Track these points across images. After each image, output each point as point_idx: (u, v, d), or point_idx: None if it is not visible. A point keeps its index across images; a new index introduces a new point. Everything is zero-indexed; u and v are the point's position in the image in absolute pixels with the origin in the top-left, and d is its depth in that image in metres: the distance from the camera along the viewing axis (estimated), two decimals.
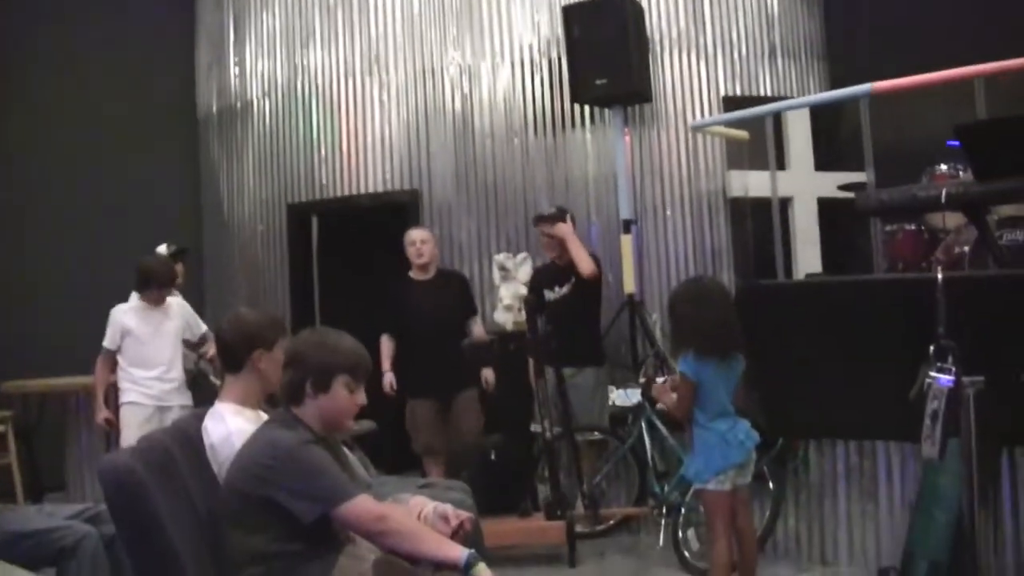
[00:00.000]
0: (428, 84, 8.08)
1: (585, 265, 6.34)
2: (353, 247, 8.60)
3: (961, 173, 5.90)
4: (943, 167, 6.23)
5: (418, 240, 6.61)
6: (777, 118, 7.19)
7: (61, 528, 3.94)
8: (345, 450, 3.92)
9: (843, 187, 7.08)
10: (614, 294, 7.27)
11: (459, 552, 3.08)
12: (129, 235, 7.83)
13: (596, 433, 6.39)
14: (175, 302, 6.42)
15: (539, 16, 7.88)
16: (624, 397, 6.45)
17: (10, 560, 3.64)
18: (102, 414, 6.16)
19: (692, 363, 4.43)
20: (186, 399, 6.25)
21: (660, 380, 6.04)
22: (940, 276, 1.81)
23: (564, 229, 6.50)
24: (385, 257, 8.16)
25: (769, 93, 7.89)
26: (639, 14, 7.39)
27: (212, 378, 5.56)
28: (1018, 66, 5.32)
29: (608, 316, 7.03)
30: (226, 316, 4.02)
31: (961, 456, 1.88)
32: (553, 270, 6.58)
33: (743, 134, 7.36)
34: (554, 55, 7.77)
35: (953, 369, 1.83)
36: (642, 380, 6.31)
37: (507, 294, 7.14)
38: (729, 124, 7.34)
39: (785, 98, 7.75)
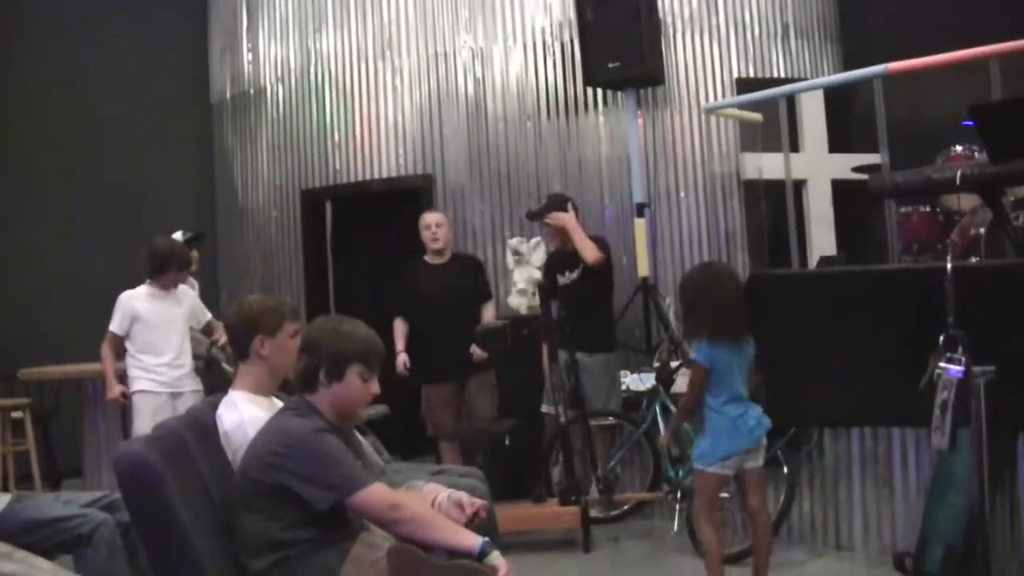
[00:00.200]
0: (441, 68, 8.07)
1: (588, 253, 6.27)
2: (367, 232, 8.62)
3: (976, 154, 5.87)
4: (958, 148, 6.19)
5: (433, 224, 6.60)
6: (791, 100, 7.17)
7: (78, 516, 3.97)
8: (358, 435, 3.94)
9: (857, 169, 7.04)
10: (628, 278, 7.26)
11: (473, 540, 3.08)
12: (143, 221, 7.85)
13: (610, 418, 6.39)
14: (183, 288, 6.43)
15: None
16: (638, 381, 6.45)
17: (28, 547, 3.68)
18: (116, 389, 6.13)
19: (706, 348, 4.46)
20: (197, 384, 6.27)
21: (674, 364, 6.09)
22: (950, 266, 1.79)
23: (561, 219, 6.42)
24: (399, 242, 8.18)
25: (782, 74, 7.85)
26: None
27: (224, 365, 5.57)
28: None
29: (622, 300, 7.02)
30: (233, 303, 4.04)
31: (972, 446, 1.87)
32: (564, 255, 6.55)
33: (756, 116, 7.33)
34: (566, 38, 7.75)
35: (963, 359, 1.82)
36: (656, 364, 6.31)
37: (521, 278, 7.13)
38: (742, 106, 7.32)
39: (799, 79, 7.70)
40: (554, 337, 5.99)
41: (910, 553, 4.69)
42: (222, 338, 5.64)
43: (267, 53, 8.83)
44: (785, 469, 5.39)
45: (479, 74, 7.98)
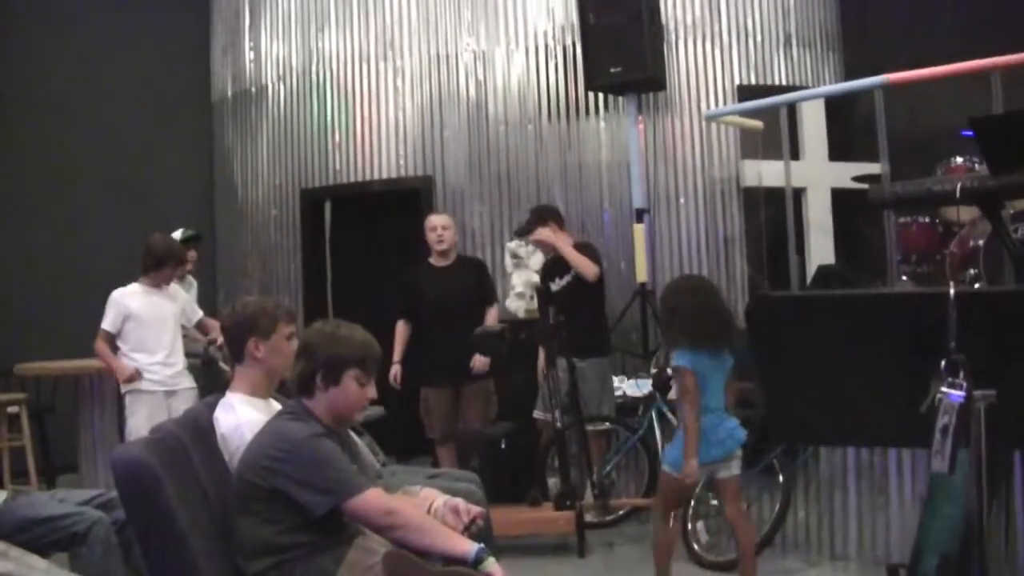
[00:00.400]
0: (442, 70, 8.08)
1: (585, 270, 6.27)
2: (366, 233, 8.62)
3: (976, 166, 5.88)
4: (958, 159, 6.20)
5: (439, 226, 6.59)
6: (792, 108, 7.17)
7: (73, 514, 3.97)
8: (354, 436, 3.94)
9: (857, 178, 7.05)
10: (626, 283, 7.27)
11: (468, 546, 3.09)
12: (143, 219, 7.84)
13: (606, 423, 6.39)
14: (174, 286, 6.43)
15: (554, 2, 7.87)
16: (635, 387, 6.45)
17: (24, 545, 3.69)
18: (128, 369, 6.07)
19: (688, 355, 4.51)
20: (191, 382, 6.26)
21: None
22: (952, 291, 1.80)
23: (546, 235, 6.43)
24: (398, 243, 8.19)
25: (784, 82, 7.87)
26: (654, 2, 7.37)
27: (222, 364, 5.57)
28: None
29: (620, 305, 7.03)
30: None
31: (970, 466, 1.88)
32: (554, 261, 6.56)
33: (757, 124, 7.34)
34: (568, 42, 7.76)
35: (964, 384, 1.83)
36: (653, 370, 6.32)
37: (519, 282, 7.14)
38: (743, 113, 7.33)
39: (800, 87, 7.73)
40: (551, 342, 5.99)
41: (904, 565, 4.70)
42: (219, 337, 5.64)
43: (269, 52, 8.83)
44: (781, 477, 5.40)
45: (481, 76, 7.99)
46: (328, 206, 8.84)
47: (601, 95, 7.70)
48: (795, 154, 7.42)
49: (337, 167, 8.44)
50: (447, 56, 8.07)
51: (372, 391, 3.34)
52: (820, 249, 7.48)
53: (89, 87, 8.85)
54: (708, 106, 7.63)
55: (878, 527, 5.22)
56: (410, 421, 6.73)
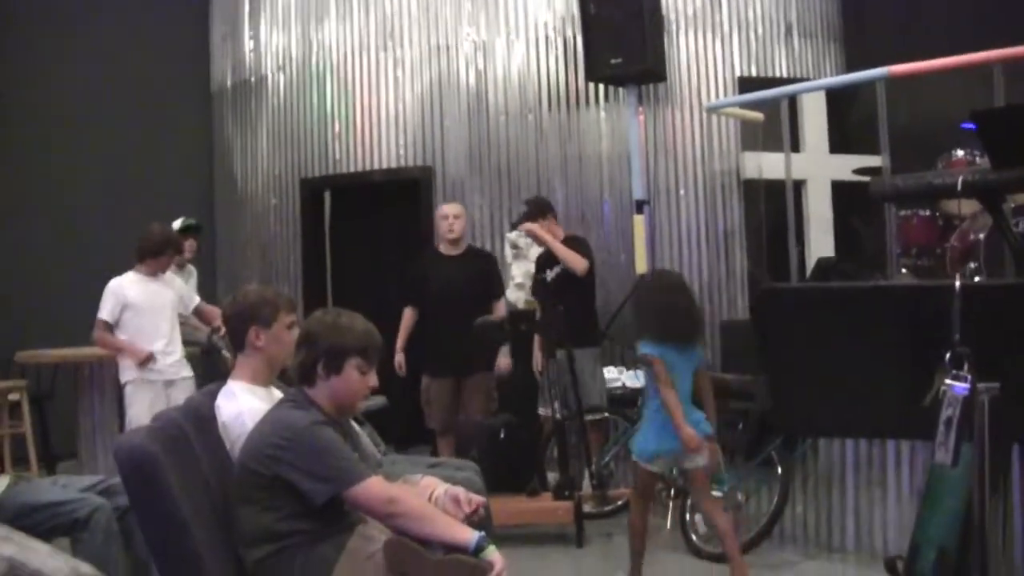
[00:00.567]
0: (442, 60, 8.07)
1: (575, 265, 6.35)
2: (366, 223, 8.62)
3: (978, 159, 5.87)
4: (959, 153, 6.19)
5: (451, 215, 6.60)
6: (792, 100, 7.16)
7: (75, 500, 4.00)
8: (356, 426, 3.95)
9: (858, 171, 7.05)
10: (625, 274, 7.27)
11: (469, 535, 3.10)
12: (142, 208, 7.84)
13: (604, 413, 6.40)
14: (169, 274, 6.42)
15: None
16: (633, 378, 6.46)
17: (26, 530, 3.70)
18: (144, 349, 6.06)
19: (653, 346, 4.67)
20: (189, 371, 6.26)
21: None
22: (958, 283, 1.80)
23: (532, 228, 6.48)
24: (398, 233, 8.19)
25: (785, 74, 7.86)
26: None
27: (225, 353, 5.56)
28: None
29: (619, 297, 7.03)
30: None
31: (974, 461, 1.88)
32: (546, 253, 6.59)
33: (758, 115, 7.33)
34: (569, 33, 7.75)
35: (968, 377, 1.83)
36: None
37: (519, 272, 7.15)
38: (744, 105, 7.32)
39: (801, 79, 7.71)
40: (551, 332, 5.99)
41: (901, 557, 4.70)
42: (222, 326, 5.63)
43: (268, 42, 8.82)
44: (779, 470, 5.40)
45: (481, 67, 7.98)
46: (328, 196, 8.85)
47: (601, 86, 7.69)
48: (796, 146, 7.42)
49: (337, 157, 8.44)
50: (447, 46, 8.06)
51: (373, 379, 3.35)
52: (820, 242, 7.48)
53: (88, 78, 8.83)
54: (709, 98, 7.62)
55: (876, 520, 5.23)
56: (410, 411, 6.74)
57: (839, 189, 7.57)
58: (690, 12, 7.75)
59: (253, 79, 8.94)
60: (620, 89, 7.57)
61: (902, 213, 6.58)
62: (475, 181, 7.92)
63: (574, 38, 7.65)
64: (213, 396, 3.67)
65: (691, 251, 7.56)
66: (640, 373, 6.39)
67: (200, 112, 9.45)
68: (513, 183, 7.84)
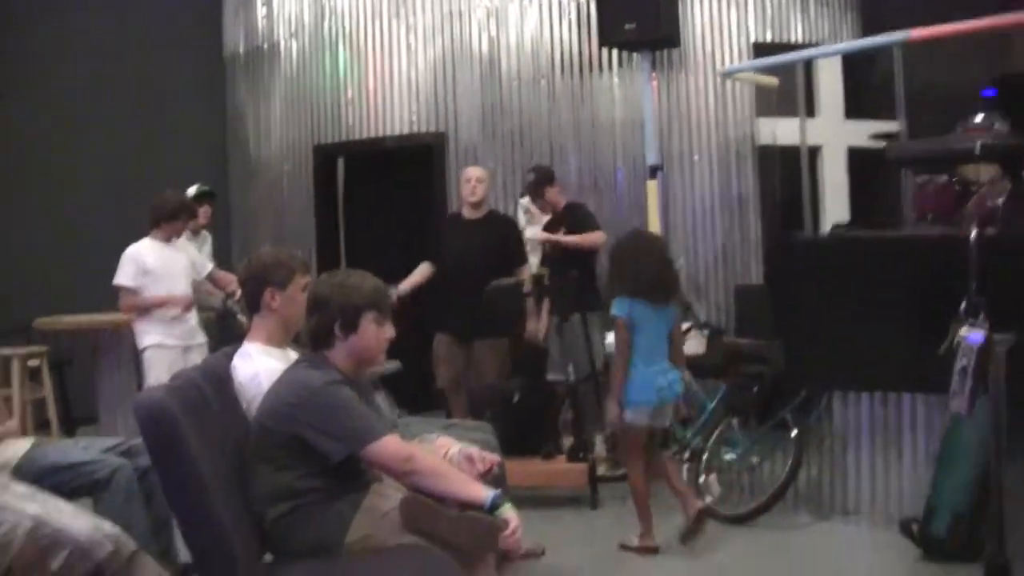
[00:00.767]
0: (455, 26, 8.04)
1: (595, 245, 6.46)
2: (379, 188, 8.62)
3: (996, 125, 5.84)
4: (978, 118, 6.15)
5: (474, 178, 6.54)
6: (808, 65, 7.13)
7: (97, 461, 4.05)
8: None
9: (874, 136, 7.01)
10: None
11: (485, 492, 3.12)
12: (156, 175, 7.87)
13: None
14: (181, 240, 6.43)
15: None
16: None
17: (49, 490, 3.74)
18: (186, 296, 6.12)
19: (626, 304, 4.89)
20: (202, 336, 6.29)
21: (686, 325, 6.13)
22: (974, 233, 1.80)
23: (549, 239, 6.59)
24: (411, 199, 8.19)
25: (800, 40, 7.81)
26: None
27: (240, 317, 5.59)
28: None
29: None
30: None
31: (988, 413, 1.89)
32: (555, 218, 6.65)
33: (773, 80, 7.29)
34: None
35: (984, 326, 1.83)
36: None
37: (532, 237, 7.14)
38: (759, 70, 7.28)
39: (816, 45, 7.66)
40: (565, 296, 5.99)
41: (917, 519, 4.73)
42: (237, 291, 5.66)
43: (281, 8, 8.80)
44: (794, 432, 5.40)
45: (494, 32, 7.95)
46: (341, 162, 8.85)
47: (615, 51, 7.65)
48: (811, 112, 7.38)
49: (350, 123, 8.44)
50: (460, 12, 8.03)
51: (390, 330, 3.35)
52: (835, 208, 7.45)
53: (101, 44, 8.84)
54: (723, 64, 7.58)
55: (891, 483, 5.24)
56: (423, 376, 6.75)
57: (855, 155, 7.53)
58: None
59: (266, 46, 8.93)
60: (634, 55, 7.54)
61: (918, 179, 6.54)
62: (488, 147, 7.91)
63: (587, 3, 7.61)
64: (229, 357, 3.70)
65: (705, 217, 7.54)
66: None
67: (213, 79, 9.44)
68: (526, 149, 7.83)
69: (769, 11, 7.78)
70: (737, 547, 5.09)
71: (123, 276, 6.07)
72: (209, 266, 6.56)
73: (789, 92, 6.90)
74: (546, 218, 6.92)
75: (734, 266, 7.47)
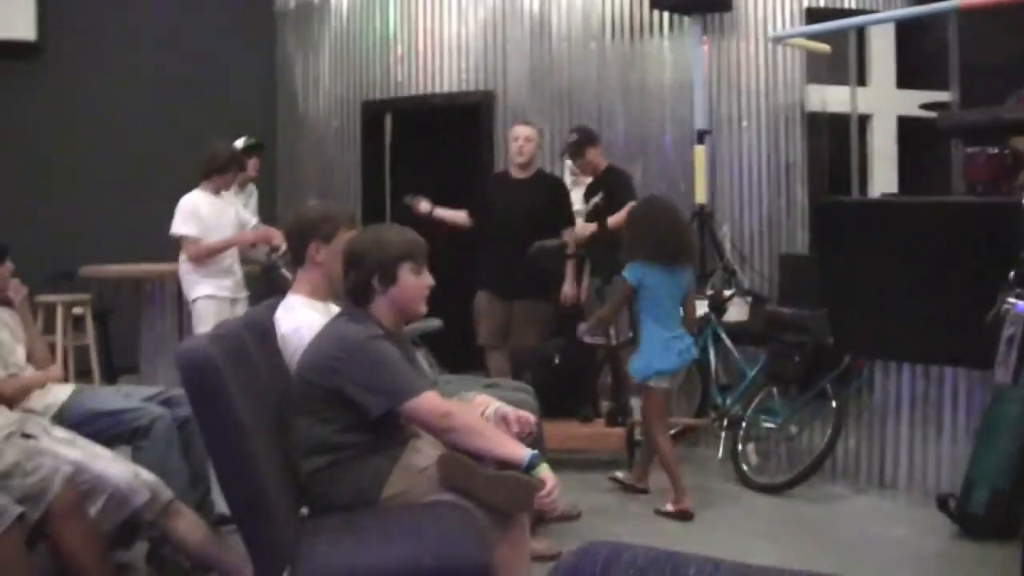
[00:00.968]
0: None
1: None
2: (426, 145, 8.62)
3: None
4: None
5: (522, 136, 6.45)
6: (860, 32, 7.01)
7: (137, 409, 4.10)
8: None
9: (925, 106, 6.91)
10: (685, 204, 7.20)
11: (522, 451, 3.12)
12: (205, 126, 7.89)
13: None
14: (229, 193, 6.42)
15: None
16: None
17: (90, 436, 3.82)
18: (271, 231, 6.15)
19: (638, 267, 5.03)
20: (246, 290, 6.30)
21: (728, 292, 6.11)
22: None
23: (572, 237, 6.37)
24: (458, 157, 8.18)
25: (853, 6, 7.67)
26: None
27: (283, 271, 5.61)
28: None
29: None
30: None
31: None
32: (594, 182, 6.56)
33: (824, 47, 7.19)
34: None
35: None
36: (710, 292, 6.30)
37: (578, 198, 7.11)
38: (810, 36, 7.18)
39: (870, 11, 7.53)
40: (608, 258, 5.96)
41: (954, 495, 4.70)
42: (282, 245, 5.67)
43: None
44: (833, 403, 5.38)
45: None
46: (389, 119, 8.85)
47: (666, 14, 7.56)
48: (862, 80, 7.27)
49: (399, 80, 8.43)
50: None
51: (429, 278, 3.35)
52: (884, 178, 7.35)
53: None
54: (774, 28, 7.47)
55: (929, 458, 5.22)
56: (464, 333, 6.75)
57: (905, 124, 7.42)
58: None
59: (316, 0, 8.92)
60: (685, 18, 7.45)
61: (969, 150, 6.44)
62: (536, 107, 7.87)
63: None
64: (273, 309, 3.73)
65: (751, 183, 7.46)
66: (697, 303, 6.36)
67: (263, 32, 9.45)
68: (574, 110, 7.78)
69: None
70: (775, 516, 5.09)
71: (185, 227, 6.00)
72: (253, 221, 6.55)
73: (840, 59, 6.80)
74: (587, 180, 6.88)
75: (779, 234, 7.40)
